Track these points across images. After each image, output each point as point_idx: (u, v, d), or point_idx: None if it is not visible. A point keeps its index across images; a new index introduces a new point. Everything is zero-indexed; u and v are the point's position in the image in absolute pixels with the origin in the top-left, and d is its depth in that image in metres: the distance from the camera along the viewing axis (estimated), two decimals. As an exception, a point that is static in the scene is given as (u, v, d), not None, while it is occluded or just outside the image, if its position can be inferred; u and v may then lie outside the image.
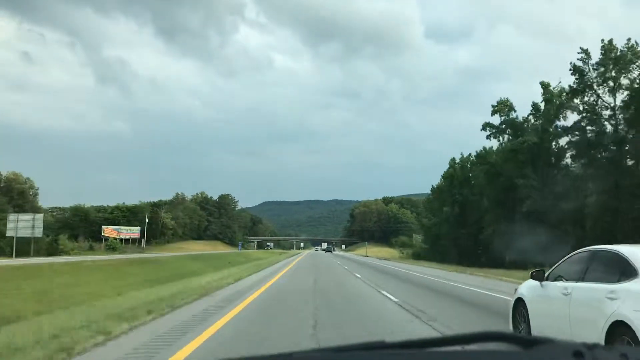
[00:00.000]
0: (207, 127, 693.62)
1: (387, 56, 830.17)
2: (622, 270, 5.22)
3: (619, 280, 5.17)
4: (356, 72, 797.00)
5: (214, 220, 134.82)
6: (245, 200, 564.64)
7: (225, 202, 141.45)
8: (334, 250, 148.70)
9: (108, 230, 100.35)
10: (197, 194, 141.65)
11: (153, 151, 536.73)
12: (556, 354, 1.08)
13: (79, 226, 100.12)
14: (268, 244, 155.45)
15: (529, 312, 6.89)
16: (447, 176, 50.51)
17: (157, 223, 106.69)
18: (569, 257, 6.62)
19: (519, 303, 7.26)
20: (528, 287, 7.16)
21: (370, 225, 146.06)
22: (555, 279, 6.49)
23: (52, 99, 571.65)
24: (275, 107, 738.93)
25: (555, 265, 6.80)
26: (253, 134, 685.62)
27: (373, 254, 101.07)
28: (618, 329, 4.87)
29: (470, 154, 49.58)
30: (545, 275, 6.79)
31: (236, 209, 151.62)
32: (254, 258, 48.89)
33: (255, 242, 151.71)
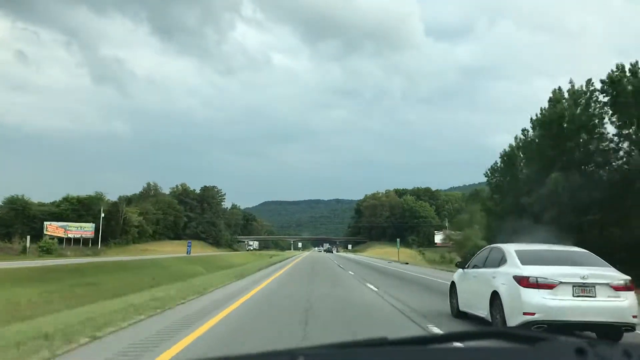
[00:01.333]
0: (206, 126, 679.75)
1: (387, 54, 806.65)
2: (500, 259, 8.36)
3: (498, 266, 8.31)
4: (356, 70, 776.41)
5: (195, 217, 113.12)
6: (246, 200, 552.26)
7: (208, 196, 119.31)
8: (338, 251, 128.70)
9: (52, 228, 78.68)
10: (176, 186, 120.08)
11: (150, 151, 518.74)
12: (559, 352, 1.07)
13: (15, 223, 78.66)
14: (250, 243, 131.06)
15: (457, 290, 10.03)
16: (551, 119, 27.53)
17: (117, 219, 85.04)
18: (480, 251, 9.94)
19: (452, 285, 10.47)
20: (458, 274, 10.43)
21: (381, 221, 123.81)
22: (473, 267, 9.63)
23: (49, 99, 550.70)
24: (275, 106, 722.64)
25: (473, 257, 10.03)
26: (252, 133, 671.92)
27: (387, 255, 79.41)
28: (495, 297, 7.89)
29: (590, 80, 27.74)
30: (467, 264, 10.03)
31: (223, 203, 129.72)
32: (190, 273, 26.62)
33: (246, 242, 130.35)
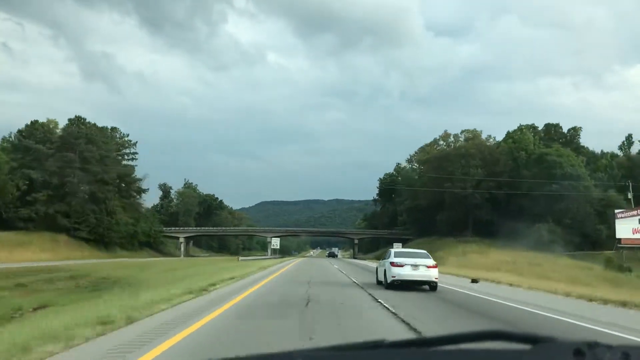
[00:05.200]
0: (202, 127, 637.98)
1: (385, 50, 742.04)
2: (389, 254, 18.48)
3: (388, 258, 18.29)
4: (353, 67, 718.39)
5: (46, 184, 50.95)
6: (242, 200, 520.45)
7: (78, 139, 54.66)
8: (355, 257, 70.26)
9: None
10: (30, 121, 57.73)
11: (146, 153, 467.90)
12: (557, 353, 1.05)
13: None
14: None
15: (377, 272, 19.96)
16: None
17: None
18: (388, 249, 20.34)
19: (376, 269, 20.68)
20: (378, 263, 21.92)
21: (459, 190, 57.52)
22: (382, 259, 19.53)
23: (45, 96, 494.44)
24: (270, 105, 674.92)
25: (384, 254, 20.35)
26: (248, 133, 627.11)
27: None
28: (384, 272, 18.11)
29: None
30: (383, 257, 19.70)
31: (131, 160, 67.18)
32: None
33: (182, 240, 67.62)
